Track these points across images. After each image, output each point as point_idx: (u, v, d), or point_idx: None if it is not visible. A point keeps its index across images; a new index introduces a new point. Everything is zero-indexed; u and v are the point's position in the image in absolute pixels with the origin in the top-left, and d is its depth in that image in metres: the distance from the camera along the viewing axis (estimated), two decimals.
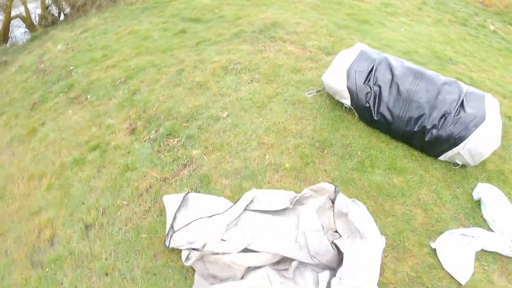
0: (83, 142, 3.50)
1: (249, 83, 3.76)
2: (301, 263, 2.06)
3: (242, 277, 2.04)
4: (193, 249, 2.10)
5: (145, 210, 2.67)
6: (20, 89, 4.92)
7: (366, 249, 1.98)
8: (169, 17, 5.59)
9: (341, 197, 2.29)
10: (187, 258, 2.10)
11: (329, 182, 2.45)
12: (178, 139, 3.17)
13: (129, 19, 5.97)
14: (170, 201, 2.45)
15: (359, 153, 2.82)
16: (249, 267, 2.02)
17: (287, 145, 3.03)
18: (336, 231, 2.21)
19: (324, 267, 2.04)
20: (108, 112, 3.79)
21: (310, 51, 4.27)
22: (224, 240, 2.15)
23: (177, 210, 2.36)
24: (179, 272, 2.25)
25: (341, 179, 2.64)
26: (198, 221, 2.23)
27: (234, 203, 2.38)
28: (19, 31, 8.39)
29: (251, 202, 2.36)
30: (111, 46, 5.10)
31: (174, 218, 2.32)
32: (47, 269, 2.60)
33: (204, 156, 2.98)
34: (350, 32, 4.79)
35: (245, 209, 2.33)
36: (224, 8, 5.52)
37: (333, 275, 1.93)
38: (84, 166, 3.24)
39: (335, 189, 2.37)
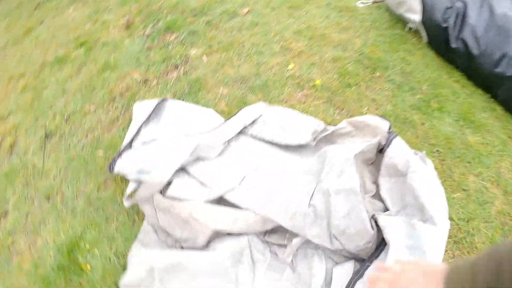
0: (72, 40, 2.79)
1: None
2: (308, 243, 1.14)
3: (207, 245, 1.18)
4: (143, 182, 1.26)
5: (112, 120, 1.90)
6: None
7: (431, 240, 0.98)
8: None
9: (399, 144, 1.26)
10: (130, 196, 1.28)
11: (381, 117, 1.40)
12: (177, 35, 2.29)
13: None
14: (140, 110, 1.63)
15: (424, 88, 1.84)
16: (218, 231, 1.14)
17: (323, 55, 2.05)
18: (379, 199, 1.20)
19: (348, 255, 1.10)
20: (109, 7, 3.00)
21: None
22: (190, 175, 1.28)
23: (145, 122, 1.52)
24: (126, 212, 1.49)
25: (395, 117, 1.70)
26: (165, 142, 1.37)
27: (226, 120, 1.46)
28: None
29: (253, 122, 1.44)
30: None
31: (137, 133, 1.50)
32: None
33: (205, 57, 2.07)
34: None
35: (240, 132, 1.42)
36: None
37: (360, 275, 0.98)
38: (65, 65, 2.55)
39: (390, 128, 1.32)
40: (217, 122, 1.51)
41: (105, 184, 1.62)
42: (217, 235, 1.19)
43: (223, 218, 1.15)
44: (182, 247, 1.23)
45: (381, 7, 2.42)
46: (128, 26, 2.60)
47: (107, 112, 1.95)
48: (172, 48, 2.20)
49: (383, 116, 1.58)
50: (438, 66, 1.99)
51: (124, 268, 1.33)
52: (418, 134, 1.64)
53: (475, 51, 1.80)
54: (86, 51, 2.54)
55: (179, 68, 2.06)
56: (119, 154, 1.46)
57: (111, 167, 1.44)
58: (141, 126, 1.54)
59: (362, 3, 2.46)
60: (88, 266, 1.38)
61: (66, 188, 1.72)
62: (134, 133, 1.51)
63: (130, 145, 1.50)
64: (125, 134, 1.79)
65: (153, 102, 1.65)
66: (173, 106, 1.63)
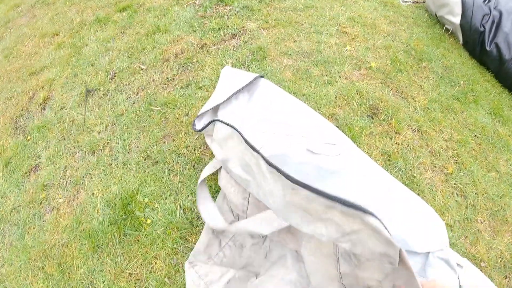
0: (112, 3, 2.67)
1: None
2: None
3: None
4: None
5: (167, 79, 1.79)
6: None
7: None
8: None
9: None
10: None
11: None
12: (230, 8, 2.21)
13: None
14: (231, 77, 1.44)
15: (461, 82, 2.08)
16: None
17: (375, 42, 2.16)
18: None
19: None
20: None
21: None
22: None
23: (237, 92, 1.35)
24: (192, 166, 1.37)
25: (439, 103, 1.89)
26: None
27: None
28: None
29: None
30: None
31: (227, 101, 1.31)
32: (28, 137, 1.88)
33: (262, 30, 2.01)
34: None
35: None
36: None
37: None
38: (106, 26, 2.42)
39: None
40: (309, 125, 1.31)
41: (165, 138, 1.51)
42: None
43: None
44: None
45: (420, 7, 2.63)
46: None
47: (161, 72, 1.84)
48: (228, 19, 2.12)
49: (429, 102, 1.83)
50: (472, 65, 2.24)
51: (192, 223, 1.22)
52: (459, 120, 1.84)
53: (506, 55, 2.08)
54: (130, 15, 2.44)
55: (237, 37, 1.98)
56: (203, 113, 1.31)
57: (196, 126, 1.28)
58: (233, 95, 1.36)
59: (404, 1, 2.65)
60: (148, 220, 1.26)
61: (115, 143, 1.60)
62: (223, 98, 1.34)
63: (216, 108, 1.34)
64: (184, 94, 1.69)
65: (247, 74, 1.45)
66: (266, 87, 1.44)
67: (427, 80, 2.01)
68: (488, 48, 2.17)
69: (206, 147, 1.43)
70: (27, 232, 1.48)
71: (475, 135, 1.80)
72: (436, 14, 2.45)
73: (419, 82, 1.97)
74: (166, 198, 1.30)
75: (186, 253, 1.19)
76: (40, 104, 2.08)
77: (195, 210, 1.26)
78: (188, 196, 1.29)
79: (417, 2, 2.66)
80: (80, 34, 2.45)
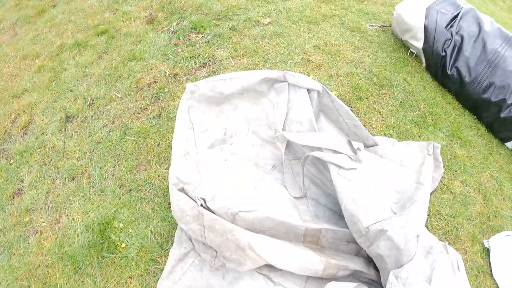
0: (91, 26, 2.81)
1: None
2: None
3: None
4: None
5: (141, 108, 1.95)
6: None
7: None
8: None
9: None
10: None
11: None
12: (202, 35, 2.38)
13: None
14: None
15: (421, 106, 2.14)
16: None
17: (338, 70, 2.25)
18: None
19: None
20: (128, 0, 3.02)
21: None
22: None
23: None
24: (162, 194, 1.55)
25: (397, 128, 1.97)
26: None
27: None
28: None
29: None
30: None
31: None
32: (11, 161, 2.02)
33: (231, 59, 2.18)
34: None
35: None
36: None
37: None
38: (85, 51, 2.56)
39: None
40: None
41: (138, 167, 1.68)
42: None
43: (287, 260, 1.17)
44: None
45: (387, 31, 2.70)
46: (151, 20, 2.66)
47: (135, 101, 2.00)
48: (200, 47, 2.28)
49: (387, 129, 1.93)
50: (434, 88, 2.30)
51: (161, 246, 1.40)
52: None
53: (467, 78, 2.15)
54: (107, 39, 2.58)
55: (207, 66, 2.15)
56: None
57: None
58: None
59: (371, 25, 2.72)
60: (123, 244, 1.44)
61: (92, 170, 1.76)
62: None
63: None
64: (155, 124, 1.86)
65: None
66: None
67: (387, 106, 2.09)
68: (449, 72, 2.23)
69: None
70: (13, 253, 1.63)
71: None
72: (401, 38, 2.55)
73: (378, 109, 2.06)
74: (139, 224, 1.48)
75: (157, 274, 1.38)
76: (22, 128, 2.21)
77: (165, 235, 1.44)
78: (159, 222, 1.48)
79: (384, 26, 2.70)
80: (60, 58, 2.58)
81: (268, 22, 2.57)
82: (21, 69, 2.68)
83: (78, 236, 1.55)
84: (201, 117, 1.59)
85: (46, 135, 2.08)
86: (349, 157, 1.31)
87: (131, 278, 1.39)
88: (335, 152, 1.31)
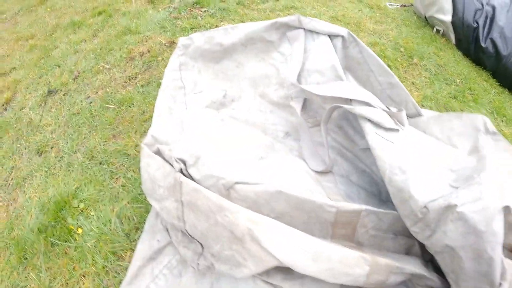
0: (90, 8, 2.62)
1: None
2: None
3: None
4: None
5: (129, 77, 1.67)
6: None
7: None
8: None
9: None
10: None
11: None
12: (206, 9, 2.12)
13: None
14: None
15: (457, 81, 1.91)
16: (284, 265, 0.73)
17: (361, 39, 1.92)
18: None
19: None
20: None
21: None
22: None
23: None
24: (137, 167, 1.22)
25: (436, 101, 1.71)
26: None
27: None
28: None
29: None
30: None
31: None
32: None
33: None
34: None
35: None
36: None
37: None
38: (80, 30, 2.35)
39: None
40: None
41: (114, 138, 1.37)
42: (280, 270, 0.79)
43: (311, 259, 0.71)
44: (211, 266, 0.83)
45: (408, 10, 2.51)
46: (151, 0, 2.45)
47: (124, 71, 1.73)
48: (201, 19, 2.02)
49: (423, 100, 1.67)
50: (467, 64, 2.07)
51: (128, 236, 1.06)
52: None
53: (503, 51, 1.92)
54: (104, 19, 2.37)
55: None
56: None
57: None
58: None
59: (391, 4, 2.54)
60: (79, 230, 1.10)
61: (63, 143, 1.47)
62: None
63: None
64: (143, 92, 1.56)
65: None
66: None
67: (420, 77, 1.87)
68: (483, 45, 2.02)
69: None
70: None
71: None
72: (425, 16, 2.34)
73: (410, 79, 1.84)
74: (104, 204, 1.15)
75: (119, 274, 1.02)
76: (3, 105, 1.97)
77: (135, 220, 1.10)
78: (129, 202, 1.14)
79: (405, 6, 2.56)
80: (53, 37, 2.38)
81: None
82: (14, 50, 2.49)
83: (31, 217, 1.23)
84: (195, 76, 1.27)
85: (25, 110, 1.82)
86: (388, 114, 0.92)
87: (84, 276, 1.04)
88: (368, 105, 0.94)
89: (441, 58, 2.01)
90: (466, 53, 2.13)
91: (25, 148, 1.58)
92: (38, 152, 1.50)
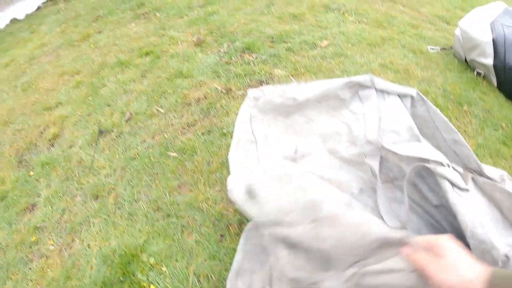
0: (136, 48, 2.69)
1: (356, 23, 2.78)
2: None
3: None
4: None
5: (187, 124, 1.68)
6: (89, 7, 4.44)
7: None
8: None
9: None
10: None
11: None
12: (256, 55, 2.18)
13: None
14: None
15: (503, 125, 1.91)
16: None
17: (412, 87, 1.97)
18: None
19: None
20: (175, 26, 2.97)
21: (426, 16, 3.26)
22: None
23: None
24: (211, 222, 1.19)
25: (487, 148, 1.72)
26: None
27: None
28: None
29: None
30: None
31: None
32: (31, 173, 1.76)
33: (291, 77, 1.93)
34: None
35: None
36: None
37: None
38: (127, 69, 2.40)
39: None
40: None
41: (180, 188, 1.34)
42: None
43: None
44: None
45: (449, 53, 2.56)
46: (199, 43, 2.52)
47: (181, 117, 1.74)
48: (254, 66, 2.07)
49: (477, 148, 1.70)
50: (510, 107, 2.08)
51: None
52: (511, 165, 1.65)
53: None
54: (152, 60, 2.42)
55: (264, 83, 1.91)
56: None
57: None
58: None
59: (432, 48, 2.59)
60: (152, 286, 1.05)
61: (122, 189, 1.44)
62: None
63: None
64: (205, 140, 1.56)
65: None
66: None
67: (470, 124, 1.88)
68: None
69: (229, 201, 1.25)
70: (9, 278, 1.29)
71: None
72: (466, 59, 2.36)
73: (462, 127, 1.85)
74: (176, 260, 1.10)
75: None
76: (49, 140, 1.97)
77: (213, 278, 1.05)
78: (205, 260, 1.09)
79: (445, 49, 2.61)
80: (100, 75, 2.42)
81: (326, 45, 2.38)
82: (59, 84, 2.53)
83: (91, 268, 1.18)
84: (265, 130, 1.28)
85: (74, 148, 1.82)
86: (460, 175, 0.97)
87: None
88: (443, 166, 0.97)
89: (486, 103, 2.03)
90: (509, 95, 2.14)
91: (77, 190, 1.56)
92: (93, 196, 1.47)
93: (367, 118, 1.24)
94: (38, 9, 5.58)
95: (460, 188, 0.95)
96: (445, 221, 1.04)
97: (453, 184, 0.95)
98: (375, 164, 1.15)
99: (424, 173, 1.10)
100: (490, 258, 0.83)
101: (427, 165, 0.99)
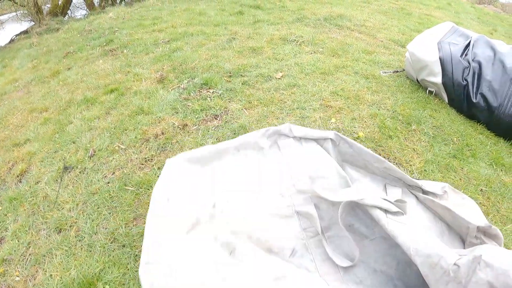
0: (102, 85, 2.87)
1: (311, 53, 3.04)
2: None
3: None
4: None
5: (145, 159, 1.85)
6: (60, 43, 4.62)
7: None
8: (228, 3, 5.13)
9: None
10: None
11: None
12: (214, 90, 2.40)
13: (187, 2, 5.63)
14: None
15: (454, 139, 2.06)
16: None
17: (361, 112, 2.18)
18: None
19: None
20: (141, 63, 3.18)
21: (382, 41, 3.52)
22: None
23: None
24: None
25: (436, 164, 1.85)
26: None
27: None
28: (79, 12, 8.56)
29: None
30: (163, 18, 4.67)
31: None
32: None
33: (245, 110, 2.16)
34: None
35: None
36: (286, 2, 4.98)
37: None
38: (93, 106, 2.57)
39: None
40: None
41: (136, 220, 1.51)
42: None
43: None
44: None
45: (401, 75, 2.72)
46: (161, 79, 2.73)
47: (139, 152, 1.92)
48: (211, 100, 2.28)
49: (425, 164, 1.81)
50: (462, 121, 2.23)
51: None
52: (461, 177, 1.79)
53: (494, 103, 2.06)
54: (116, 97, 2.60)
55: (219, 117, 2.11)
56: None
57: None
58: None
59: (384, 72, 2.75)
60: None
61: (83, 223, 1.59)
62: None
63: None
64: (159, 175, 1.74)
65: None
66: None
67: (419, 142, 1.99)
68: (474, 100, 2.14)
69: None
70: None
71: (481, 189, 1.73)
72: (417, 79, 2.48)
73: (411, 146, 1.96)
74: (130, 287, 1.27)
75: None
76: (17, 176, 2.09)
77: None
78: None
79: (397, 71, 2.73)
80: (67, 112, 2.57)
81: (281, 76, 2.60)
82: (28, 121, 2.66)
83: None
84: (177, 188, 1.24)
85: (41, 184, 1.95)
86: (391, 203, 1.10)
87: None
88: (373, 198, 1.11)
89: (437, 120, 2.16)
90: (460, 110, 2.25)
91: (42, 224, 1.69)
92: (57, 230, 1.61)
93: (293, 166, 1.30)
94: (11, 42, 5.68)
95: (392, 213, 1.04)
96: (385, 261, 1.11)
97: (386, 211, 1.05)
98: (313, 212, 1.18)
99: (359, 211, 1.19)
100: (440, 271, 0.88)
101: (354, 199, 1.08)
